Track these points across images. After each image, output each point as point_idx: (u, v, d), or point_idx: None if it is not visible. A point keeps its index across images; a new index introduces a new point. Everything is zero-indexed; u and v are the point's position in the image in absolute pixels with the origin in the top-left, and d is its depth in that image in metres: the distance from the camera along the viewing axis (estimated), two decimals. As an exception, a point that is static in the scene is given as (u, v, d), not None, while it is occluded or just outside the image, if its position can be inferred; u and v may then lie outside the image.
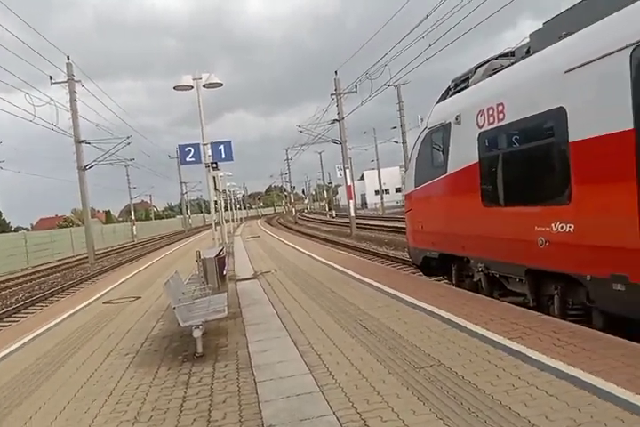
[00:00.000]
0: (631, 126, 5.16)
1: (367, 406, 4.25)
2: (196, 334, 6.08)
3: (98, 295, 13.19)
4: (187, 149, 12.26)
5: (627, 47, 5.18)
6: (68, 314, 10.63)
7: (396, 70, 35.89)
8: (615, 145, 5.42)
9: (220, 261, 9.19)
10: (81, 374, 6.14)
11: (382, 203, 63.86)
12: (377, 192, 71.07)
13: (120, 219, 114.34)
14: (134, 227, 64.42)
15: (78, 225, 60.07)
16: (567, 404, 3.88)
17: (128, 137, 31.70)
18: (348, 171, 33.16)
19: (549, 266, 6.61)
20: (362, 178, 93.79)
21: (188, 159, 12.39)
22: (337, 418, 4.08)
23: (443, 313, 7.07)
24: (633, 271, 5.24)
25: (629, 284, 5.30)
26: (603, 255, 5.65)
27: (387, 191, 72.37)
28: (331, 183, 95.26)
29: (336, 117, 32.77)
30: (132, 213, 67.00)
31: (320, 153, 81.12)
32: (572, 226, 6.07)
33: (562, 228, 6.22)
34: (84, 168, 30.15)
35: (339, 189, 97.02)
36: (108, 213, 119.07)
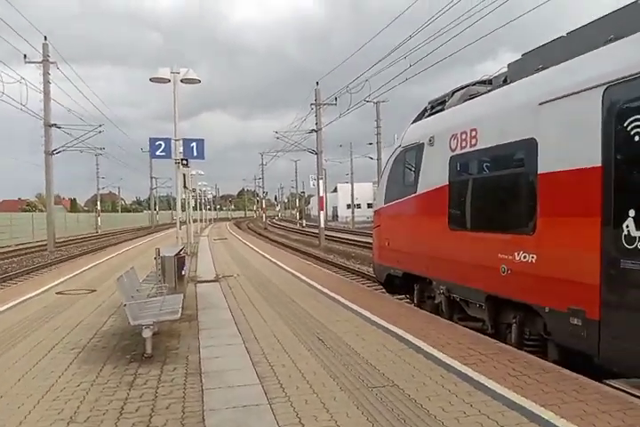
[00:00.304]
0: (599, 164, 5.24)
1: (315, 424, 4.13)
2: (146, 334, 5.87)
3: (52, 284, 12.74)
4: (157, 143, 12.06)
5: (600, 86, 5.27)
6: (16, 302, 10.20)
7: (376, 88, 35.92)
8: (582, 180, 5.49)
9: (180, 260, 8.96)
10: (19, 367, 5.84)
11: (353, 217, 64.08)
12: (349, 206, 71.28)
13: (86, 208, 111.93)
14: (99, 218, 63.02)
15: (42, 211, 58.35)
16: (516, 436, 3.85)
17: (100, 125, 31.08)
18: (321, 182, 33.15)
19: (510, 294, 6.65)
20: (335, 190, 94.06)
21: (158, 153, 12.18)
22: (282, 434, 3.95)
23: (401, 332, 7.02)
24: (590, 307, 5.28)
25: (585, 319, 5.34)
26: (562, 288, 5.69)
27: (358, 206, 72.54)
28: (304, 193, 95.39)
29: (314, 127, 32.81)
30: (99, 203, 65.57)
31: (296, 161, 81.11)
32: (535, 256, 6.11)
33: (524, 257, 6.27)
34: (52, 153, 29.35)
35: (311, 199, 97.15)
36: (73, 201, 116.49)
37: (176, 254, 8.83)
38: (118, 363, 5.94)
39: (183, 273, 9.51)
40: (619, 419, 4.09)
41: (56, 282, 13.25)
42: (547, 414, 4.18)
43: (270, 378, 5.27)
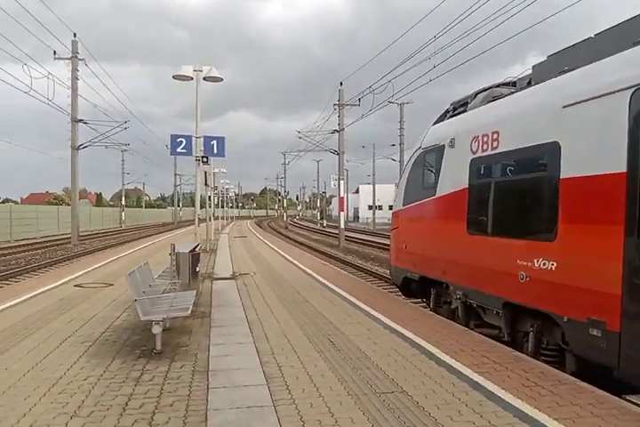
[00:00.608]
0: (624, 169, 5.03)
1: (318, 428, 4.04)
2: (156, 329, 5.84)
3: (71, 277, 12.91)
4: (178, 140, 12.12)
5: (627, 89, 5.06)
6: (33, 293, 10.34)
7: (400, 88, 35.69)
8: (606, 186, 5.29)
9: (195, 257, 8.95)
10: (29, 359, 5.87)
11: (374, 218, 63.73)
12: (370, 207, 70.93)
13: (111, 203, 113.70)
14: (123, 213, 63.93)
15: (68, 204, 59.53)
16: (526, 450, 3.70)
17: (126, 121, 31.43)
18: (342, 182, 32.99)
19: (528, 302, 6.45)
20: (357, 191, 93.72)
21: (179, 150, 12.24)
22: (284, 437, 3.87)
23: (414, 337, 6.87)
24: (610, 318, 5.08)
25: (606, 330, 5.14)
26: (582, 298, 5.49)
27: (380, 207, 72.19)
28: (325, 193, 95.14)
29: (336, 128, 32.68)
30: (123, 198, 66.53)
31: (318, 161, 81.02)
32: (555, 264, 5.92)
33: (544, 264, 6.07)
34: (78, 148, 29.85)
35: (332, 199, 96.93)
36: (99, 195, 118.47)
37: (191, 251, 8.82)
38: (127, 358, 5.94)
39: (197, 270, 9.50)
40: (636, 437, 3.91)
41: (76, 275, 13.43)
42: (560, 429, 4.02)
43: (277, 379, 5.19)
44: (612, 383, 5.20)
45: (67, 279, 12.52)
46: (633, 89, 5.02)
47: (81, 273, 13.83)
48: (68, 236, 32.31)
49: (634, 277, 4.88)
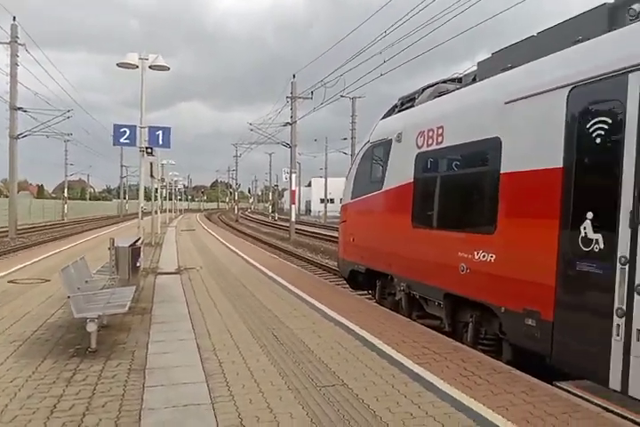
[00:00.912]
0: (560, 165, 5.18)
1: (256, 425, 3.97)
2: (90, 327, 5.60)
3: (5, 273, 12.25)
4: (122, 130, 11.66)
5: (565, 86, 5.21)
6: (-38, 290, 9.76)
7: (353, 83, 35.96)
8: (542, 182, 5.44)
9: (135, 251, 8.66)
10: (-48, 359, 5.52)
11: (326, 211, 63.96)
12: (322, 200, 71.15)
13: (54, 195, 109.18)
14: (66, 205, 61.52)
15: (7, 196, 56.68)
16: (460, 439, 3.75)
17: (69, 110, 30.15)
18: (294, 175, 32.88)
19: (467, 293, 6.59)
20: (309, 185, 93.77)
21: (122, 140, 11.79)
22: (220, 435, 3.78)
23: (357, 329, 6.91)
24: (544, 308, 5.25)
25: (540, 320, 5.31)
26: (518, 289, 5.65)
27: (332, 201, 72.38)
28: (277, 186, 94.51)
29: (289, 120, 32.49)
30: (66, 190, 64.00)
31: (270, 154, 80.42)
32: (494, 256, 6.06)
33: (483, 257, 6.21)
34: (17, 137, 28.38)
35: (285, 192, 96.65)
36: (40, 187, 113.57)
37: (131, 245, 8.52)
38: (59, 357, 5.67)
39: (138, 265, 9.21)
40: (564, 422, 4.04)
41: (11, 270, 12.76)
42: (494, 418, 4.10)
43: (217, 376, 5.09)
44: (545, 371, 5.38)
45: (0, 275, 11.89)
46: (570, 87, 5.16)
47: (16, 268, 13.16)
48: (6, 229, 30.76)
49: (567, 269, 5.05)
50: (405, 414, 4.20)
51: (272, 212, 79.77)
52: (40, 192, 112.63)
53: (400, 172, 8.50)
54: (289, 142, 33.17)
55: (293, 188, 33.32)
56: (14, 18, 27.46)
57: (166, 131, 12.86)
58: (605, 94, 4.85)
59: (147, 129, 12.79)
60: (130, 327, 7.03)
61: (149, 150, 12.48)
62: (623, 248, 4.48)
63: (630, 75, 4.55)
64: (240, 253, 17.90)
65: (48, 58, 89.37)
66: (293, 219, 33.05)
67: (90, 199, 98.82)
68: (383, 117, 10.17)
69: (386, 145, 9.22)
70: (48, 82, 33.33)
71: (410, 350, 6.00)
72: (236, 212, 76.16)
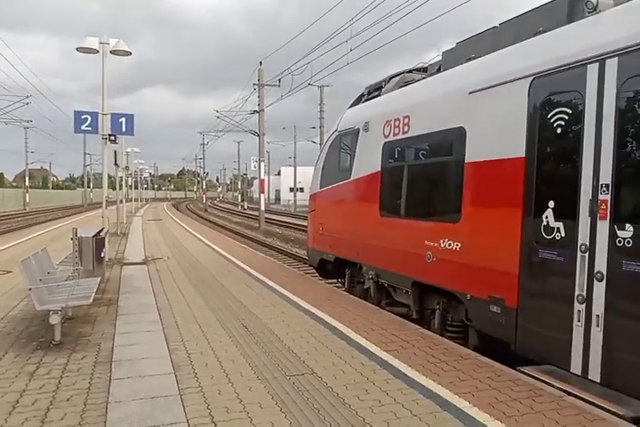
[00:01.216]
0: (523, 155, 5.27)
1: (225, 416, 3.96)
2: (54, 320, 5.47)
3: (-38, 265, 11.84)
4: (83, 117, 11.35)
5: (527, 77, 5.29)
6: None
7: (321, 71, 35.89)
8: (505, 171, 5.53)
9: (99, 241, 8.47)
10: None
11: (295, 200, 63.84)
12: (291, 189, 70.96)
13: (14, 184, 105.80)
14: (27, 194, 59.74)
15: (-38, 185, 54.64)
16: (428, 426, 3.82)
17: (27, 96, 29.19)
18: (262, 164, 32.63)
19: (434, 281, 6.69)
20: (279, 173, 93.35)
21: (83, 127, 11.48)
22: (188, 427, 3.75)
23: (327, 318, 6.94)
24: (509, 295, 5.37)
25: (504, 307, 5.43)
26: (483, 276, 5.76)
27: (301, 190, 72.22)
28: (246, 174, 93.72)
29: (256, 108, 32.16)
30: (27, 179, 62.09)
31: (239, 142, 79.77)
32: (459, 244, 6.16)
33: (449, 245, 6.30)
34: (-27, 124, 27.34)
35: (254, 181, 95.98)
36: (0, 175, 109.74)
37: (95, 235, 8.33)
38: (22, 351, 5.53)
39: (103, 255, 9.02)
40: (527, 406, 4.16)
41: (-32, 262, 12.34)
42: (460, 403, 4.19)
43: (185, 367, 5.04)
44: (510, 357, 5.51)
45: (-42, 267, 11.48)
46: (531, 78, 5.24)
47: (-25, 260, 12.73)
48: (-37, 220, 29.72)
49: (530, 257, 5.17)
50: (374, 401, 4.25)
51: (241, 201, 79.21)
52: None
53: (367, 161, 8.52)
54: (257, 131, 32.87)
55: (262, 177, 33.10)
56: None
57: (129, 118, 12.58)
58: (565, 85, 4.94)
59: (109, 116, 12.49)
60: (95, 319, 6.90)
61: (112, 138, 12.17)
62: (583, 236, 4.60)
63: (589, 66, 4.64)
64: (209, 242, 17.74)
65: (2, 40, 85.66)
66: (263, 208, 32.86)
67: (53, 188, 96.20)
68: (351, 106, 10.16)
69: (353, 134, 9.22)
70: (4, 66, 32.17)
71: (378, 337, 6.07)
72: (204, 201, 75.27)
